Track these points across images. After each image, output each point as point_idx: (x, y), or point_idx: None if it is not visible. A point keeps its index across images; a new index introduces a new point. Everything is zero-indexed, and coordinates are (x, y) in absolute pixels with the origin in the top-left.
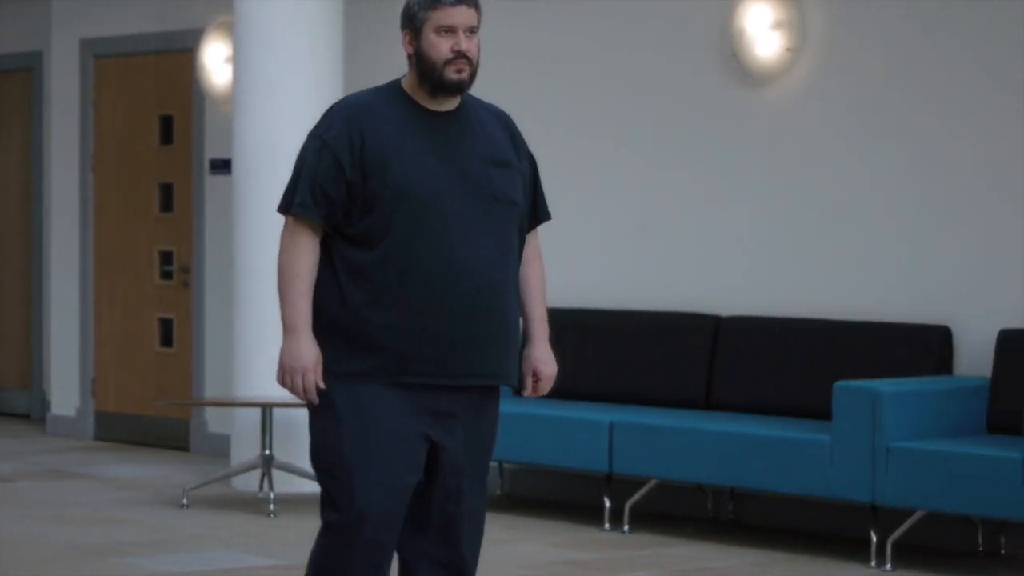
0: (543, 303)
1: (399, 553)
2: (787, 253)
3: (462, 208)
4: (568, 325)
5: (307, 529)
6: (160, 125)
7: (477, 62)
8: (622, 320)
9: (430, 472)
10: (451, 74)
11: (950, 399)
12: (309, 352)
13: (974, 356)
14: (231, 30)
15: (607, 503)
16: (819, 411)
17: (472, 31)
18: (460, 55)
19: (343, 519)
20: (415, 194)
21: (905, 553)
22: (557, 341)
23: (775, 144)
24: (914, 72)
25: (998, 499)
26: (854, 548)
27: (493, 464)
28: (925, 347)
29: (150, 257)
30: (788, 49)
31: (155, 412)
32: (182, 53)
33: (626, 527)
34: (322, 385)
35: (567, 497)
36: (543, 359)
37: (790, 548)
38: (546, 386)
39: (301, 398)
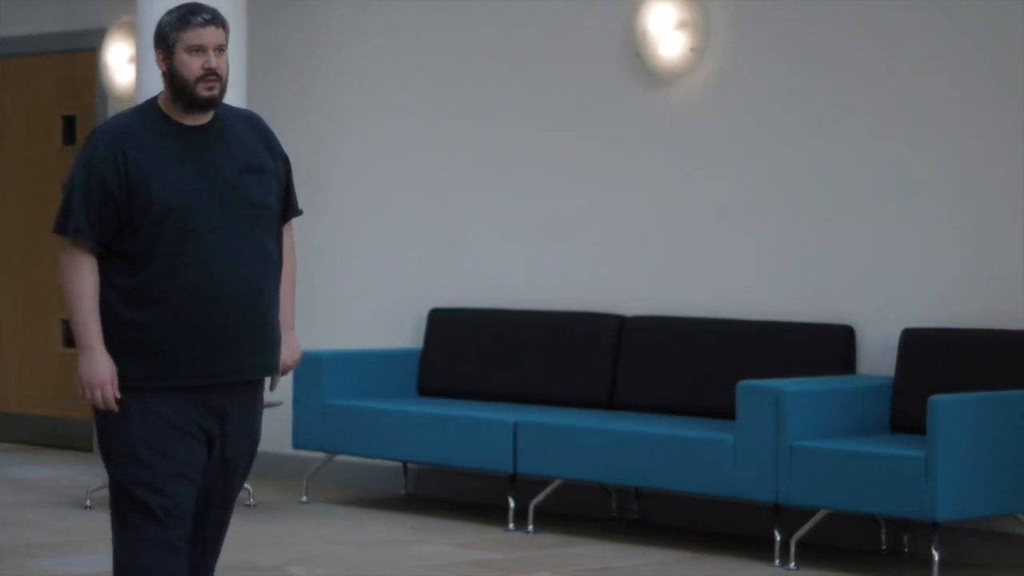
0: (291, 294)
1: None
2: (691, 253)
3: (220, 218)
4: (473, 325)
5: None
6: (63, 125)
7: (226, 78)
8: (526, 320)
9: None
10: (203, 91)
11: (853, 398)
12: (104, 366)
13: (877, 355)
14: (134, 30)
15: (511, 503)
16: (723, 411)
17: (221, 49)
18: (210, 73)
19: (145, 516)
20: (176, 209)
21: (808, 552)
22: (465, 341)
23: (679, 144)
24: (816, 72)
25: (901, 498)
26: (758, 547)
27: (397, 464)
28: (828, 346)
29: (52, 258)
30: (692, 49)
31: (58, 413)
32: (85, 53)
33: (531, 527)
34: (119, 395)
35: (472, 497)
36: (289, 344)
37: (694, 548)
38: (291, 366)
39: (102, 409)
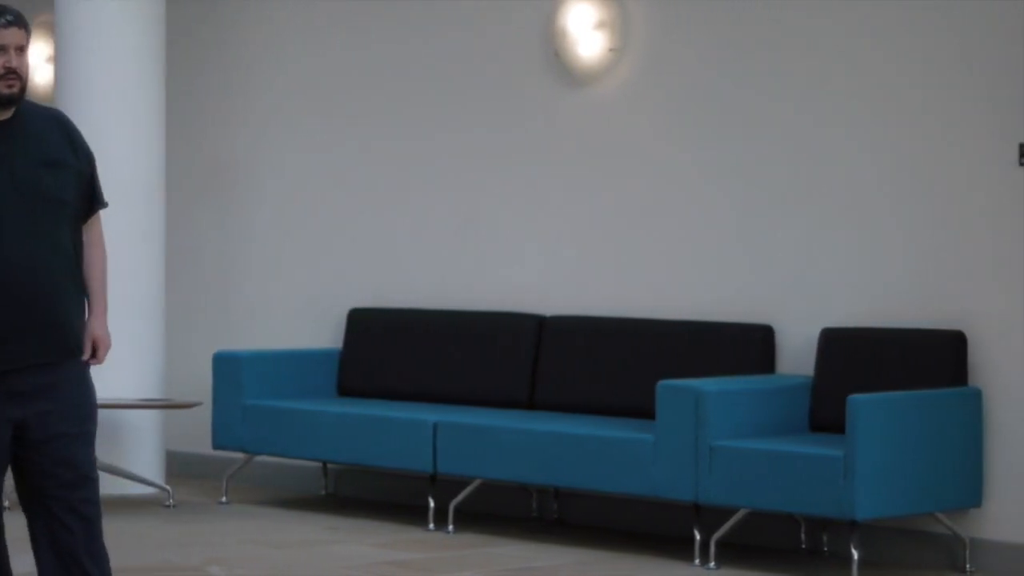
0: (102, 282)
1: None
2: (610, 253)
3: (15, 210)
4: (392, 325)
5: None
6: None
7: (27, 77)
8: (446, 320)
9: (25, 451)
10: (3, 89)
11: (773, 398)
12: None
13: (796, 355)
14: (52, 29)
15: (431, 503)
16: (643, 410)
17: (21, 50)
18: (10, 71)
19: None
20: None
21: (728, 551)
22: (385, 341)
23: (598, 144)
24: (734, 73)
25: (820, 497)
26: (678, 546)
27: (316, 465)
28: (748, 346)
29: None
30: (610, 49)
31: None
32: None
33: (450, 527)
34: None
35: (391, 497)
36: (100, 331)
37: (614, 547)
38: (103, 354)
39: None
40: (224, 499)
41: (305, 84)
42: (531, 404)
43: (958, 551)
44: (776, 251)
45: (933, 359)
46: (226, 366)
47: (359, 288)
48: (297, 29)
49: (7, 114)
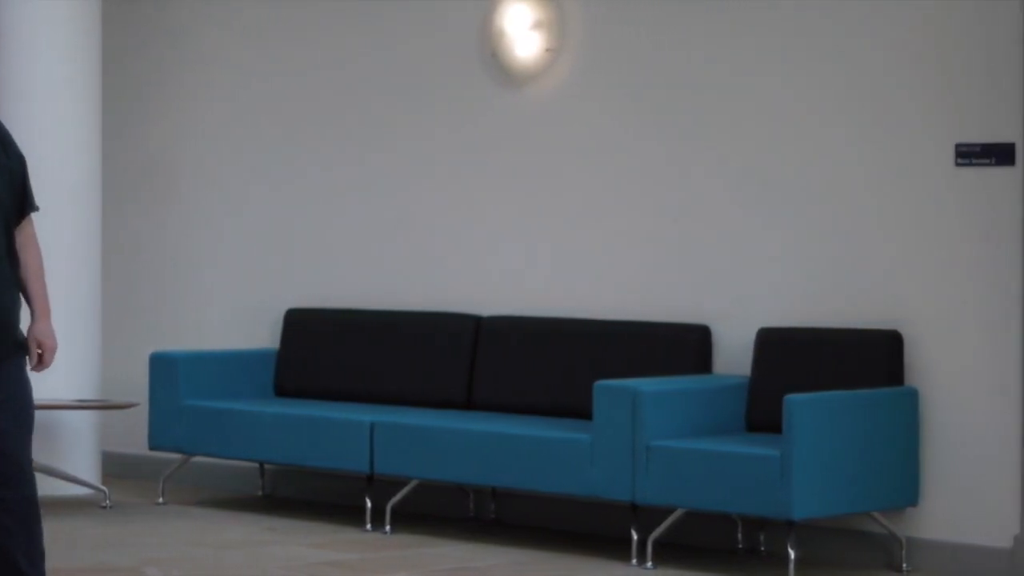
0: (41, 282)
1: None
2: (547, 253)
3: None
4: (329, 325)
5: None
6: None
7: None
8: (383, 320)
9: None
10: None
11: (709, 398)
12: None
13: (733, 355)
14: None
15: (368, 503)
16: (580, 410)
17: None
18: None
19: None
20: None
21: (666, 551)
22: (321, 341)
23: (535, 144)
24: (671, 73)
25: (757, 497)
26: (615, 546)
27: (253, 465)
28: (684, 346)
29: None
30: (548, 49)
31: None
32: None
33: (387, 527)
34: None
35: (328, 498)
36: (45, 333)
37: (552, 547)
38: (49, 357)
39: None
40: (161, 500)
41: (243, 85)
42: (468, 404)
43: (895, 550)
44: (712, 251)
45: (869, 359)
46: (163, 366)
47: (296, 288)
48: (235, 30)
49: None
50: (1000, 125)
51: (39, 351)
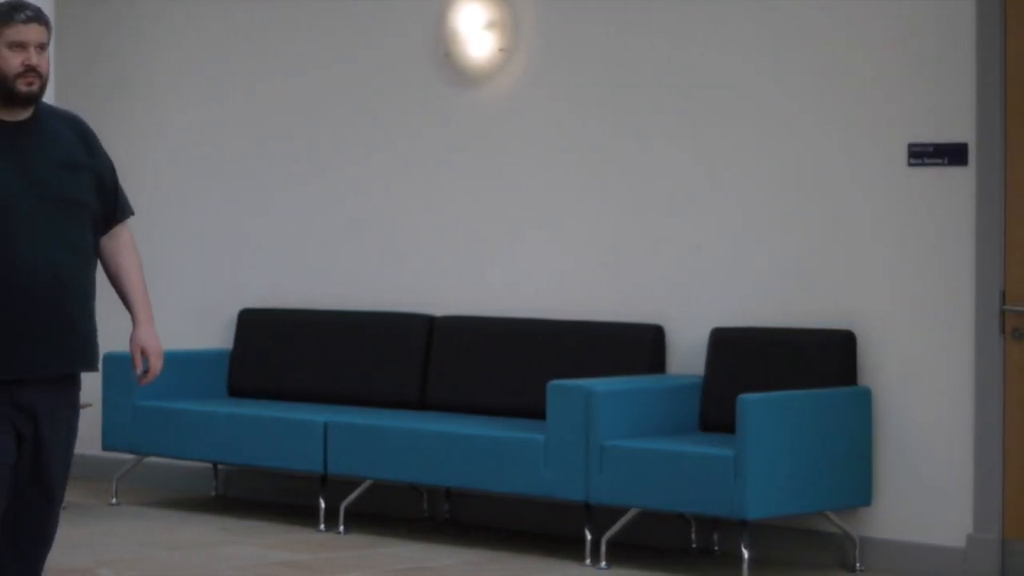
0: (142, 287)
1: None
2: (501, 253)
3: (34, 212)
4: (283, 326)
5: None
6: None
7: (47, 75)
8: (336, 320)
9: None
10: (22, 87)
11: (663, 397)
12: None
13: (687, 355)
14: None
15: (322, 504)
16: (533, 410)
17: (42, 47)
18: (31, 69)
19: None
20: None
21: (619, 551)
22: (275, 342)
23: (488, 144)
24: (625, 73)
25: (711, 497)
26: (569, 546)
27: (207, 466)
28: (638, 346)
29: None
30: (501, 49)
31: None
32: None
33: (341, 527)
34: None
35: (282, 498)
36: (148, 337)
37: (505, 547)
38: (156, 362)
39: None
40: (114, 500)
41: (195, 82)
42: (422, 404)
43: (848, 550)
44: (666, 251)
45: (823, 359)
46: (116, 367)
47: (249, 288)
48: (185, 27)
49: (25, 114)
50: (953, 125)
51: (144, 357)
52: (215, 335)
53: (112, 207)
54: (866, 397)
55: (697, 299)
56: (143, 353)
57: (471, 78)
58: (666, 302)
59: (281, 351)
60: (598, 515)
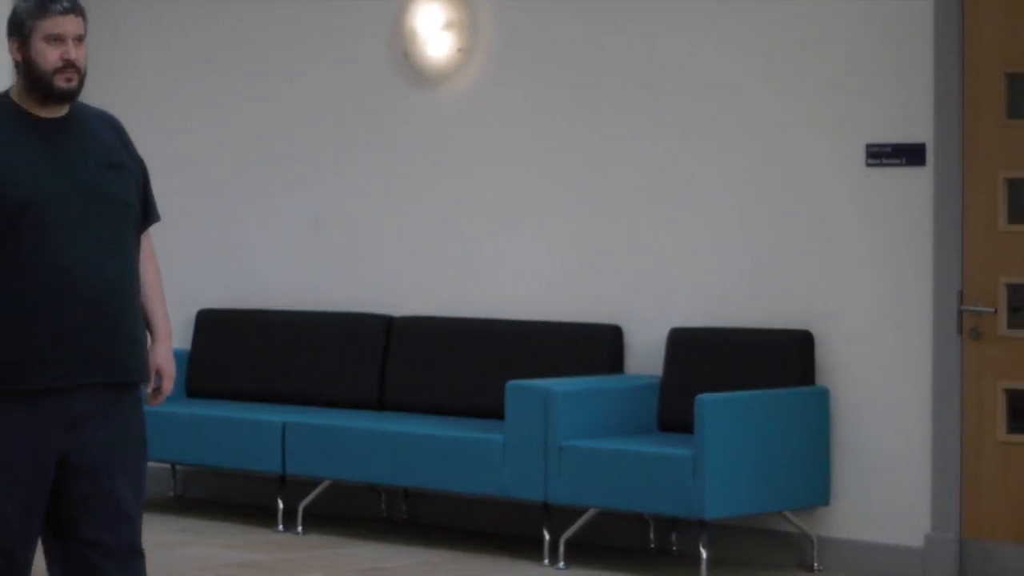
0: (163, 303)
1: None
2: (460, 253)
3: (79, 212)
4: (241, 326)
5: None
6: None
7: (85, 70)
8: (294, 321)
9: (70, 482)
10: (61, 83)
11: (621, 398)
12: None
13: (645, 355)
14: None
15: (280, 504)
16: (492, 411)
17: (80, 40)
18: (69, 64)
19: None
20: (32, 203)
21: (578, 551)
22: (233, 342)
23: (447, 144)
24: (583, 74)
25: (669, 497)
26: (527, 546)
27: (165, 466)
28: (597, 346)
29: None
30: (459, 50)
31: None
32: None
33: (300, 528)
34: None
35: (241, 498)
36: (166, 358)
37: (464, 547)
38: (168, 385)
39: None
40: None
41: (153, 80)
42: (380, 405)
43: (806, 549)
44: (624, 251)
45: (780, 359)
46: None
47: (207, 289)
48: (145, 24)
49: (63, 111)
50: (911, 125)
51: (158, 377)
52: (173, 335)
53: (144, 211)
54: (824, 397)
55: (655, 299)
56: (159, 373)
57: (430, 78)
58: (624, 302)
59: (239, 351)
60: (556, 515)
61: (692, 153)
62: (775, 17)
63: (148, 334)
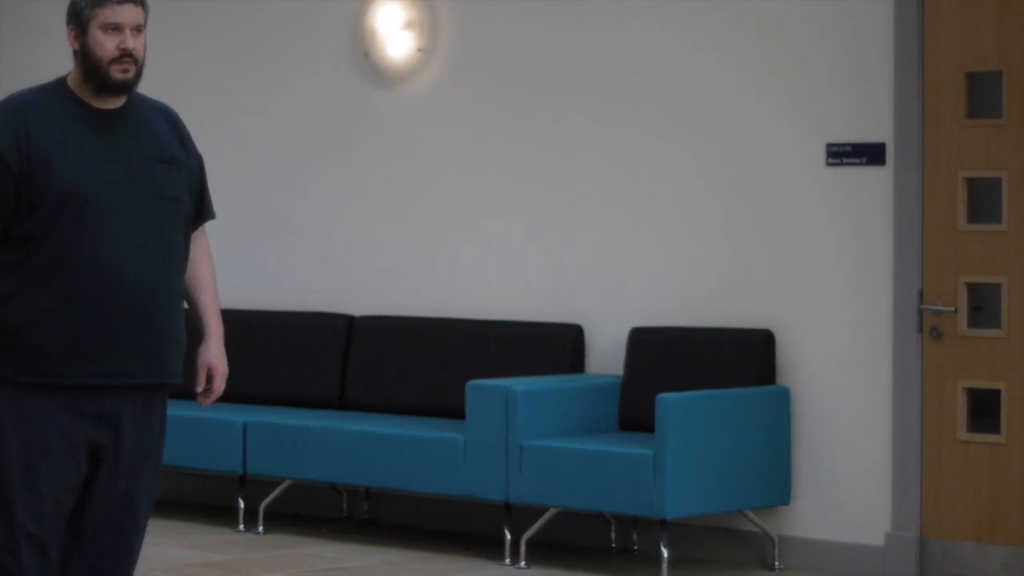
0: (216, 301)
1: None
2: (420, 253)
3: (127, 206)
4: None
5: None
6: None
7: (143, 61)
8: (255, 320)
9: (90, 477)
10: (116, 73)
11: (582, 397)
12: None
13: (606, 354)
14: None
15: (241, 504)
16: (453, 410)
17: (139, 29)
18: (126, 54)
19: (6, 540)
20: (79, 192)
21: (539, 550)
22: (193, 342)
23: (408, 144)
24: (543, 73)
25: (630, 496)
26: (489, 546)
27: None
28: (558, 346)
29: None
30: (419, 49)
31: None
32: None
33: (261, 528)
34: None
35: (201, 498)
36: (218, 356)
37: (425, 547)
38: (220, 384)
39: None
40: None
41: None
42: (341, 404)
43: (767, 548)
44: (585, 251)
45: (741, 358)
46: None
47: None
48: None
49: (119, 102)
50: (871, 125)
51: (209, 377)
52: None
53: (199, 207)
54: (785, 396)
55: (616, 299)
56: (210, 372)
57: (390, 78)
58: (585, 302)
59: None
60: (518, 515)
61: (653, 154)
62: (736, 17)
63: (194, 332)
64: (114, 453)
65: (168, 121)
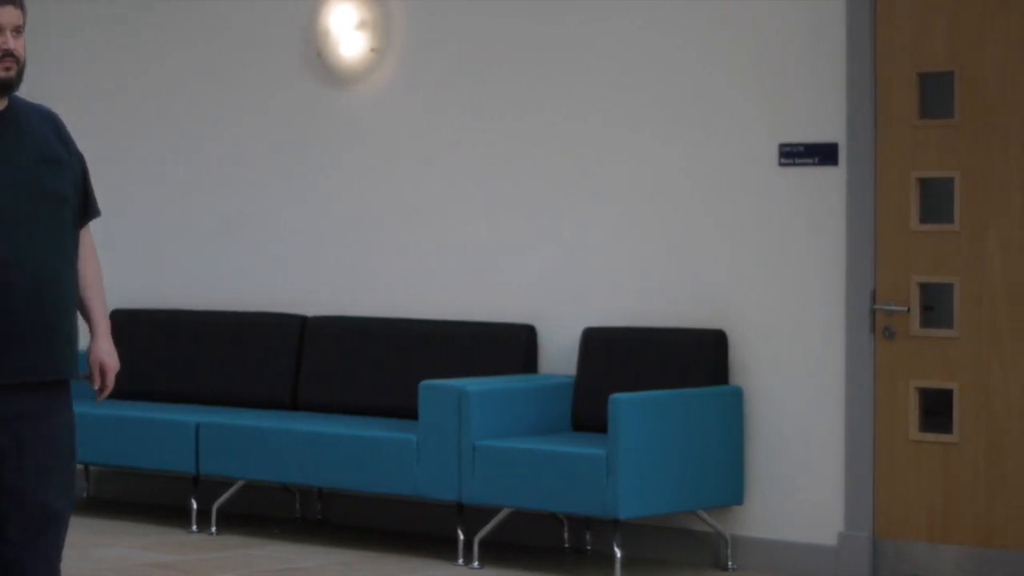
0: (102, 298)
1: None
2: (373, 253)
3: (14, 206)
4: (154, 326)
5: None
6: None
7: (24, 61)
8: (208, 320)
9: None
10: None
11: (535, 397)
12: None
13: (559, 354)
14: None
15: (194, 505)
16: (406, 410)
17: (18, 31)
18: (7, 54)
19: None
20: None
21: (492, 550)
22: (147, 342)
23: (361, 144)
24: (496, 72)
25: (583, 496)
26: (442, 546)
27: (79, 467)
28: (511, 346)
29: None
30: (372, 49)
31: None
32: None
33: (213, 528)
34: None
35: (154, 499)
36: (108, 352)
37: (378, 547)
38: (111, 379)
39: None
40: None
41: (66, 82)
42: (294, 405)
43: (720, 548)
44: (538, 251)
45: (694, 358)
46: None
47: (121, 289)
48: (60, 24)
49: (2, 104)
50: (824, 125)
51: (101, 373)
52: (86, 336)
53: (84, 206)
54: (737, 397)
55: (569, 299)
56: (102, 369)
57: (343, 78)
58: (538, 302)
59: (152, 351)
60: (470, 515)
61: (605, 153)
62: (688, 16)
63: (82, 330)
64: (16, 456)
65: (49, 122)
